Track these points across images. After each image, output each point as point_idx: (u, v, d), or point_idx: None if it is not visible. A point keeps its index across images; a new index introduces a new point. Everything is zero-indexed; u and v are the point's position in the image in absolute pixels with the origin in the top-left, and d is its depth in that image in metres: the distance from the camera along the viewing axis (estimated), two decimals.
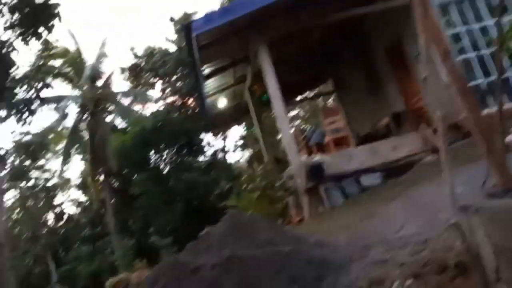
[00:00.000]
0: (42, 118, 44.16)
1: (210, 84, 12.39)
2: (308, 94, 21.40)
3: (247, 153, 32.09)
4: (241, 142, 33.17)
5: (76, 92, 26.66)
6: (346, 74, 14.33)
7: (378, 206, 6.18)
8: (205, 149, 31.07)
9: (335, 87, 16.67)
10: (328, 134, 9.92)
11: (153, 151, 27.59)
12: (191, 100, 28.39)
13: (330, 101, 28.90)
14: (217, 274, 4.01)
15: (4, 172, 19.52)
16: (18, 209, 30.63)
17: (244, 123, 25.97)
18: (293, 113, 32.57)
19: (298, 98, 19.34)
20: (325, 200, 7.90)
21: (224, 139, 32.45)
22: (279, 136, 26.47)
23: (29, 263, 28.39)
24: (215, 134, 28.07)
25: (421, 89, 10.16)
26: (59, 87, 32.26)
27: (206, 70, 10.86)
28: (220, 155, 32.47)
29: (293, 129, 15.13)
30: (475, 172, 4.41)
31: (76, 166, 32.05)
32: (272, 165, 11.27)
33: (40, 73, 14.58)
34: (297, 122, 32.67)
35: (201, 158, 30.84)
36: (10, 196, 31.08)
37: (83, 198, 33.71)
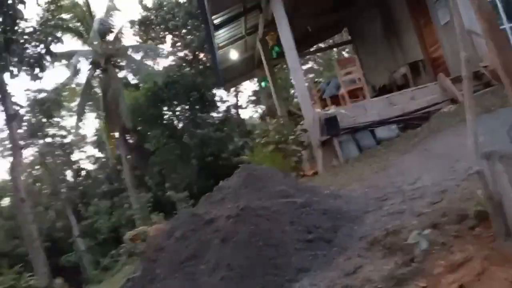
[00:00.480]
0: (55, 75, 44.32)
1: (221, 36, 12.05)
2: (323, 44, 20.83)
3: (260, 109, 31.91)
4: (254, 97, 32.98)
5: (87, 48, 26.39)
6: (362, 23, 13.78)
7: (394, 158, 6.06)
8: (218, 105, 30.95)
9: (351, 36, 16.13)
10: (343, 86, 9.63)
11: (166, 107, 27.55)
12: (202, 54, 27.92)
13: (346, 52, 28.16)
14: (231, 225, 4.02)
15: (21, 129, 19.85)
16: (38, 166, 31.39)
17: (256, 78, 25.64)
18: (306, 66, 31.98)
19: (313, 48, 18.81)
20: (340, 153, 7.78)
21: (237, 94, 32.24)
22: (293, 90, 26.16)
23: (51, 218, 29.44)
24: (227, 89, 27.83)
25: (440, 37, 9.73)
26: (70, 43, 32.02)
27: (217, 20, 10.51)
28: (233, 111, 32.42)
29: (307, 82, 14.80)
30: (499, 120, 4.24)
31: (91, 123, 32.50)
32: (285, 119, 11.14)
33: (49, 27, 14.30)
34: (311, 75, 32.07)
35: (214, 114, 30.82)
36: (29, 154, 31.85)
37: (99, 154, 34.36)
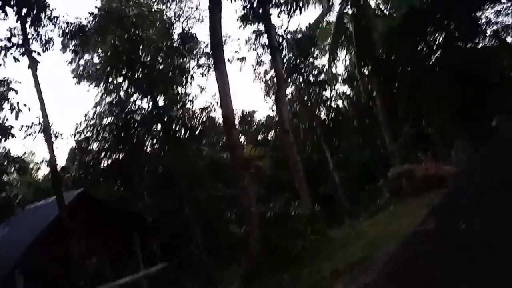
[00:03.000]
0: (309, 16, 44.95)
1: None
2: None
3: None
4: None
5: None
6: None
7: None
8: (483, 28, 24.47)
9: None
10: None
11: (424, 33, 23.41)
12: None
13: None
14: None
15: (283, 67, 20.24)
16: (296, 103, 32.78)
17: None
18: None
19: None
20: None
21: None
22: None
23: (309, 150, 30.56)
24: None
25: None
26: None
27: None
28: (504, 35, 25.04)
29: None
30: None
31: (342, 61, 31.74)
32: None
33: None
34: None
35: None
36: (289, 91, 33.52)
37: (350, 91, 33.34)
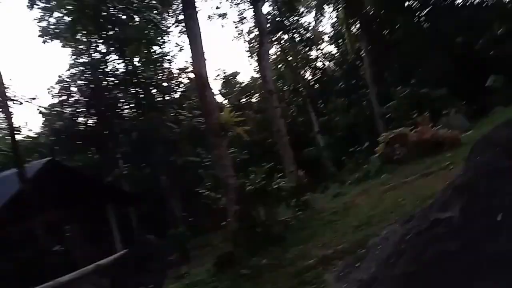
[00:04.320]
0: None
1: None
2: None
3: None
4: None
5: None
6: None
7: None
8: None
9: None
10: None
11: None
12: None
13: None
14: None
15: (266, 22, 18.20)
16: (281, 64, 30.79)
17: None
18: None
19: None
20: None
21: None
22: None
23: (294, 113, 28.97)
24: None
25: None
26: None
27: None
28: None
29: None
30: None
31: (329, 19, 29.50)
32: None
33: None
34: None
35: None
36: (273, 51, 31.40)
37: (336, 51, 31.38)
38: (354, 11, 22.36)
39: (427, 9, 22.47)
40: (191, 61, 9.32)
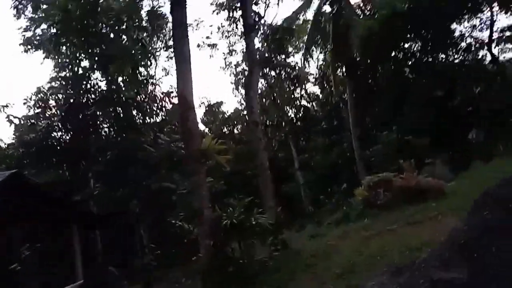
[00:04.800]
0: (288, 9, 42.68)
1: None
2: None
3: None
4: None
5: None
6: None
7: None
8: (458, 41, 23.32)
9: None
10: None
11: (403, 40, 22.02)
12: None
13: None
14: None
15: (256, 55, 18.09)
16: (266, 99, 30.75)
17: None
18: None
19: None
20: None
21: (491, 26, 23.35)
22: None
23: (275, 148, 28.64)
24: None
25: None
26: None
27: None
28: (476, 50, 23.98)
29: None
30: None
31: (316, 61, 30.09)
32: None
33: None
34: None
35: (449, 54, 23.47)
36: (260, 86, 31.41)
37: (320, 92, 31.70)
38: (341, 55, 22.66)
39: (410, 62, 22.98)
40: (176, 82, 8.84)
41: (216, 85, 67.02)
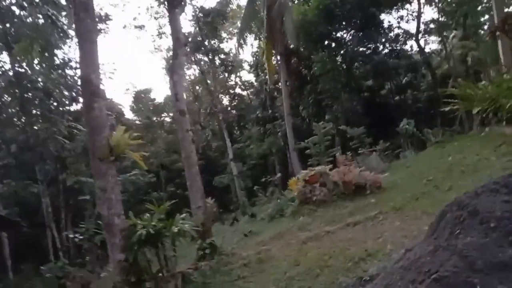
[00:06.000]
0: None
1: None
2: None
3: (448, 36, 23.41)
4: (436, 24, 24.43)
5: None
6: None
7: None
8: (387, 31, 23.51)
9: None
10: None
11: (336, 26, 21.51)
12: None
13: None
14: None
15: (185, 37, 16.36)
16: (198, 85, 29.01)
17: None
18: None
19: None
20: None
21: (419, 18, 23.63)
22: None
23: (208, 137, 27.11)
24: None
25: None
26: None
27: None
28: (404, 40, 24.39)
29: None
30: None
31: (250, 48, 28.84)
32: None
33: None
34: None
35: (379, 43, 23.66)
36: (191, 72, 29.50)
37: (255, 80, 30.63)
38: (275, 43, 21.68)
39: (342, 51, 22.66)
40: (79, 62, 7.04)
41: (147, 71, 63.21)
